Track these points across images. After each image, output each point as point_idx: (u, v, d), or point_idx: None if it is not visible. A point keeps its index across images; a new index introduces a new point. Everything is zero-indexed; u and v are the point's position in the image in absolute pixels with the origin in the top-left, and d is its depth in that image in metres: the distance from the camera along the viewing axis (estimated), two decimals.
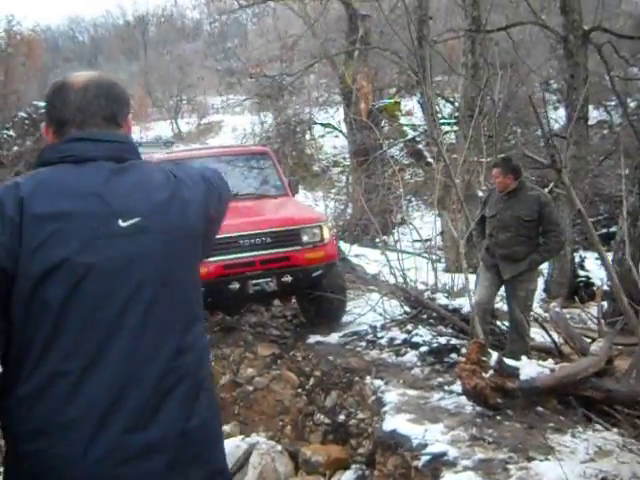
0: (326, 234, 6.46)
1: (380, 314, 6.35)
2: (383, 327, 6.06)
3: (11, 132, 20.21)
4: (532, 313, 5.57)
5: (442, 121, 13.14)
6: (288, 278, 6.19)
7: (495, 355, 4.33)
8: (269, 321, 7.56)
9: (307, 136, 23.48)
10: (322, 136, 25.17)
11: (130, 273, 1.49)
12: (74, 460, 1.41)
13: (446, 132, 14.45)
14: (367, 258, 11.84)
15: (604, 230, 12.44)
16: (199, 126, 36.60)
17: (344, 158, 24.74)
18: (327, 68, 17.58)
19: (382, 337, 5.89)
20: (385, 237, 15.33)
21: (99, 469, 1.41)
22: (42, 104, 23.47)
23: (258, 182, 7.61)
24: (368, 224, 14.86)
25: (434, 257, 13.29)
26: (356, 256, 11.79)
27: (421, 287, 7.61)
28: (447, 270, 11.51)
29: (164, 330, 1.53)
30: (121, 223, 1.49)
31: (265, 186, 7.57)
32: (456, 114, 14.28)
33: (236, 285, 6.07)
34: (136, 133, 34.90)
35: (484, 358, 4.24)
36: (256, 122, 24.26)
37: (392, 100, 17.67)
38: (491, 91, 13.05)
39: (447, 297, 6.42)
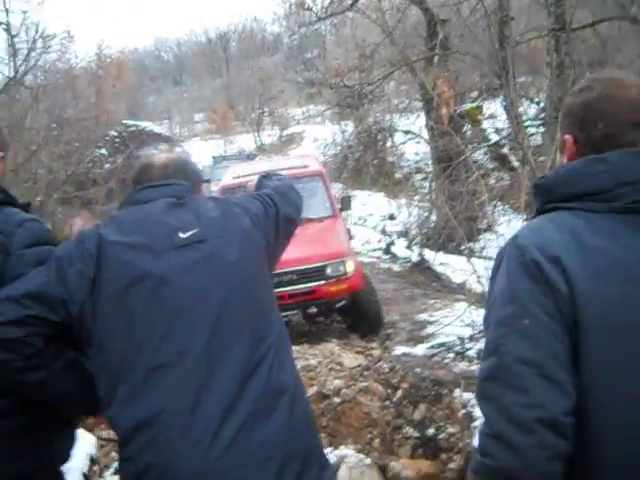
0: (349, 267, 6.99)
1: (468, 324, 6.19)
2: (471, 338, 5.91)
3: (103, 151, 21.10)
4: None
5: (527, 123, 12.76)
6: (313, 309, 6.95)
7: None
8: (354, 332, 7.56)
9: (388, 143, 23.39)
10: (403, 143, 24.99)
11: (198, 277, 1.73)
12: (174, 442, 1.59)
13: (532, 134, 14.03)
14: (452, 266, 11.60)
15: None
16: (281, 137, 37.13)
17: (426, 164, 24.42)
18: (406, 75, 17.39)
19: (470, 348, 5.75)
20: (471, 244, 15.08)
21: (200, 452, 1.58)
22: (131, 122, 24.43)
23: (307, 203, 7.83)
24: (453, 231, 14.62)
25: None
26: (441, 264, 11.59)
27: None
28: None
29: (238, 324, 1.73)
30: (181, 235, 1.77)
31: (314, 208, 7.86)
32: (542, 115, 13.86)
33: None
34: (220, 147, 35.81)
35: None
36: (337, 131, 24.38)
37: (474, 105, 17.30)
38: None
39: None
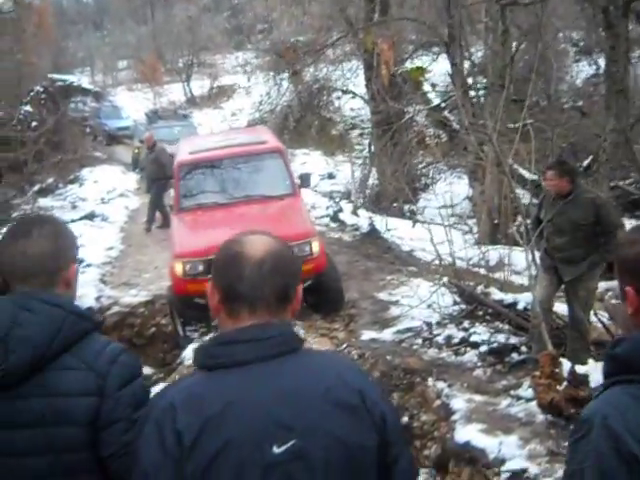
0: (315, 248, 6.92)
1: (431, 307, 6.34)
2: (439, 324, 6.07)
3: (28, 107, 20.02)
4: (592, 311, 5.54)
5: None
6: None
7: (567, 365, 4.35)
8: (315, 313, 7.57)
9: (324, 99, 23.19)
10: (338, 98, 24.86)
11: None
12: None
13: (472, 97, 14.20)
14: (399, 233, 11.74)
15: None
16: (212, 89, 36.19)
17: (362, 121, 24.46)
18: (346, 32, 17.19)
19: (439, 334, 5.90)
20: (413, 206, 15.28)
21: None
22: (57, 77, 23.22)
23: (267, 181, 7.95)
24: (395, 193, 14.78)
25: (465, 227, 13.29)
26: (388, 230, 11.71)
27: (459, 262, 7.55)
28: (479, 242, 11.43)
29: None
30: (275, 449, 1.38)
31: (273, 186, 7.85)
32: (484, 80, 14.03)
33: None
34: (149, 99, 34.65)
35: (557, 370, 4.26)
36: (271, 84, 23.87)
37: (415, 66, 17.37)
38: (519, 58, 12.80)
39: (500, 290, 6.38)
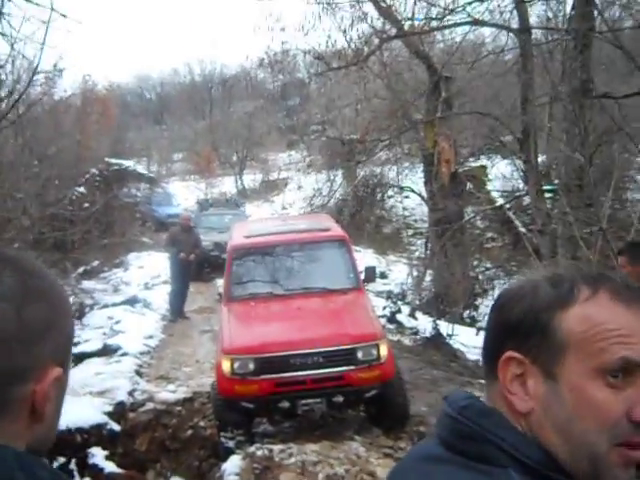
0: (383, 351, 6.07)
1: None
2: None
3: (82, 189, 20.02)
4: None
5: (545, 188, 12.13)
6: (339, 398, 6.02)
7: None
8: (373, 425, 6.59)
9: (378, 196, 22.77)
10: (391, 196, 24.38)
11: None
12: None
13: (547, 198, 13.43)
14: (461, 339, 10.73)
15: None
16: (263, 183, 36.38)
17: (415, 220, 23.86)
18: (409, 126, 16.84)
19: None
20: (473, 312, 14.30)
21: None
22: (113, 161, 23.41)
23: (329, 273, 7.16)
24: (454, 297, 13.87)
25: None
26: (449, 336, 10.73)
27: None
28: None
29: None
30: None
31: (336, 278, 7.09)
32: (555, 181, 13.30)
33: (286, 404, 5.92)
34: (201, 189, 34.91)
35: None
36: (323, 181, 23.59)
37: (478, 165, 16.81)
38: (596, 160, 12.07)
39: None
